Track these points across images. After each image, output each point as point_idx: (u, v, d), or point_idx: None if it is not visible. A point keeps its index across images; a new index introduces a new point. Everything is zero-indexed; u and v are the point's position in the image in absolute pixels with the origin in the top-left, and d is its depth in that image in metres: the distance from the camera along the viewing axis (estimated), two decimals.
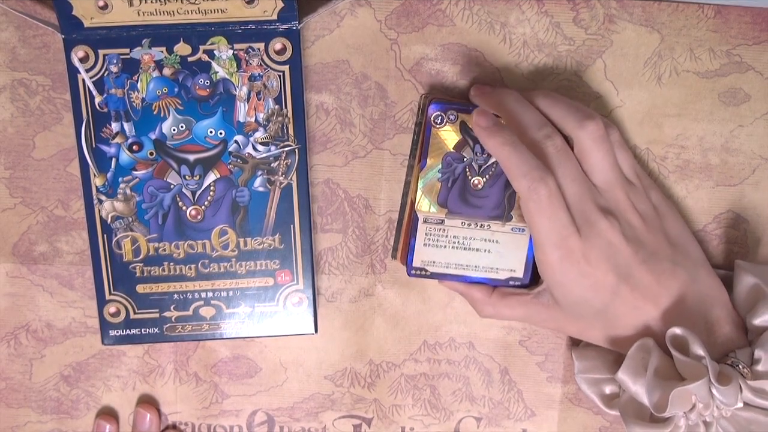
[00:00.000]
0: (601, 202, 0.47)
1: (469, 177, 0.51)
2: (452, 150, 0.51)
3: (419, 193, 0.51)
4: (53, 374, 0.56)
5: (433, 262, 0.52)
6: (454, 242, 0.51)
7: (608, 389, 0.52)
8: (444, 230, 0.51)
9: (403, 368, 0.57)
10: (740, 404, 0.45)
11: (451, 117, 0.50)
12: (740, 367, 0.46)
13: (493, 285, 0.52)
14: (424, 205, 0.51)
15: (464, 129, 0.50)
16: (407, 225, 0.52)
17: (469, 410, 0.57)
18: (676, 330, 0.46)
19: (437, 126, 0.50)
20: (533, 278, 0.52)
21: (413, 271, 0.52)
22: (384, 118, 0.54)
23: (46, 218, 0.54)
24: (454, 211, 0.51)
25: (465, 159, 0.51)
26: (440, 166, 0.51)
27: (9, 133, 0.53)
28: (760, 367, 0.45)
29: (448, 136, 0.51)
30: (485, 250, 0.51)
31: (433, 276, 0.52)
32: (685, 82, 0.53)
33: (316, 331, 0.53)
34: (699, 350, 0.45)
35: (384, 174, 0.54)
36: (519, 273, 0.52)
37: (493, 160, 0.51)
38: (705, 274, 0.50)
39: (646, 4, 0.52)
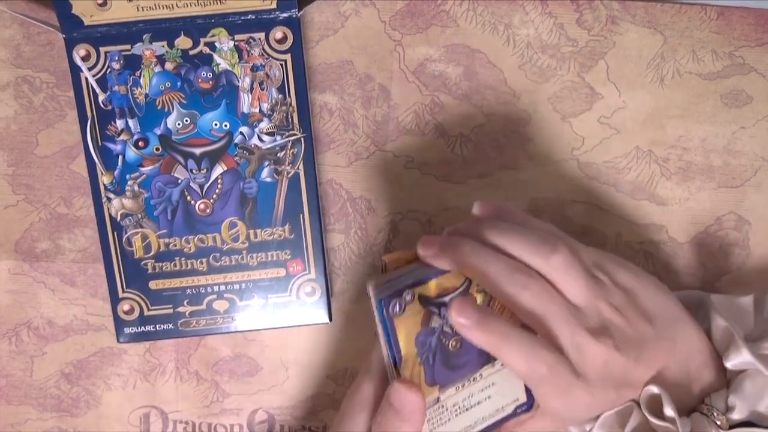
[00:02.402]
0: (588, 324, 0.45)
1: (445, 342, 0.46)
2: (421, 328, 0.45)
3: None
4: (54, 372, 0.56)
5: None
6: (456, 410, 0.47)
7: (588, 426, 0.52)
8: (443, 406, 0.46)
9: None
10: None
11: (408, 298, 0.44)
12: (714, 415, 0.46)
13: (505, 421, 0.48)
14: None
15: (424, 301, 0.45)
16: None
17: None
18: (653, 389, 0.46)
19: (398, 315, 0.44)
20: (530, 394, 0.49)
21: None
22: (387, 120, 0.54)
23: (49, 215, 0.54)
24: (445, 383, 0.46)
25: (435, 329, 0.45)
26: (415, 351, 0.45)
27: (12, 130, 0.53)
28: (734, 415, 0.46)
29: (412, 317, 0.45)
30: (486, 398, 0.47)
31: None
32: (688, 84, 0.53)
33: (330, 319, 0.53)
34: (670, 412, 0.45)
35: (386, 176, 0.54)
36: (522, 398, 0.48)
37: None
38: (685, 332, 0.48)
39: (649, 6, 0.52)
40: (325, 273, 0.53)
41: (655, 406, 0.46)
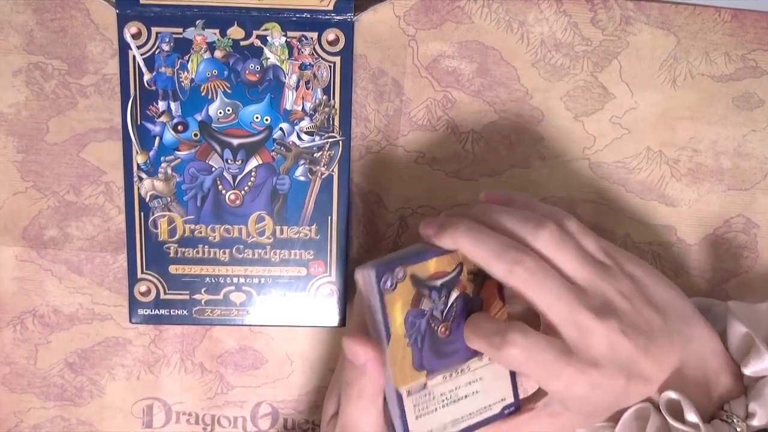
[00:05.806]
0: (590, 303, 0.44)
1: (434, 328, 0.45)
2: (411, 308, 0.44)
3: (394, 369, 0.44)
4: (58, 361, 0.56)
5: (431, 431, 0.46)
6: (443, 401, 0.46)
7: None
8: (430, 393, 0.45)
9: None
10: None
11: (399, 275, 0.43)
12: (735, 422, 0.46)
13: (491, 422, 0.47)
14: (403, 378, 0.44)
15: (416, 281, 0.44)
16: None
17: None
18: (671, 394, 0.46)
19: (389, 291, 0.43)
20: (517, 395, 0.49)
21: None
22: (399, 115, 0.54)
23: (57, 203, 0.54)
24: (432, 369, 0.45)
25: (425, 311, 0.44)
26: (404, 331, 0.44)
27: (23, 116, 0.53)
28: (755, 422, 0.45)
29: (402, 296, 0.44)
30: (473, 393, 0.46)
31: None
32: (700, 86, 0.53)
33: (343, 324, 0.53)
34: (693, 417, 0.45)
35: (397, 171, 0.54)
36: (510, 398, 0.48)
37: (451, 300, 0.45)
38: (698, 330, 0.48)
39: (663, 7, 0.52)
40: (346, 277, 0.53)
41: (675, 410, 0.46)
